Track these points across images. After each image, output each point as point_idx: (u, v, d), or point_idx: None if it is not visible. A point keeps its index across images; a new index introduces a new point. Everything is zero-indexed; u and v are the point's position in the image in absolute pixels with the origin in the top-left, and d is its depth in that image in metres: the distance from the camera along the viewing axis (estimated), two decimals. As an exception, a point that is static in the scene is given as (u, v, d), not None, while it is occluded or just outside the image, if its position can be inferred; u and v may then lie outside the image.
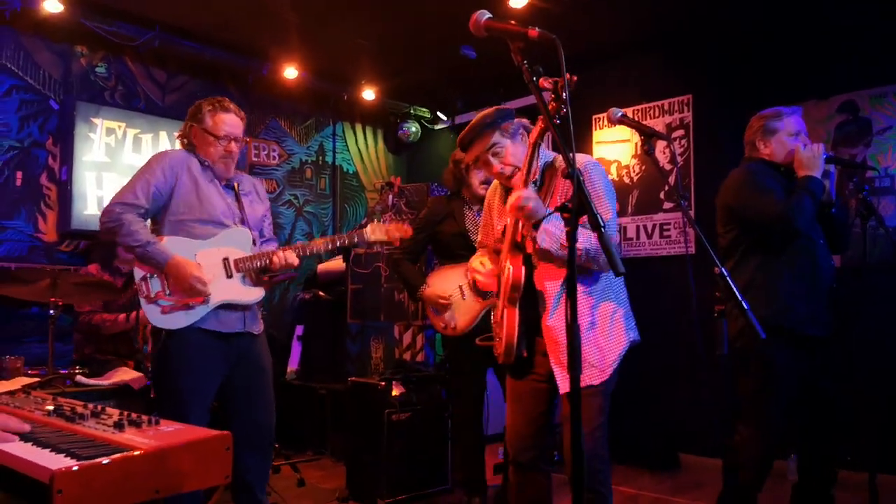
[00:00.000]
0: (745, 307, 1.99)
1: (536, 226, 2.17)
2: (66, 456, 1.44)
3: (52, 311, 3.23)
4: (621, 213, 5.17)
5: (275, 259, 2.63)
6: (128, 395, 3.17)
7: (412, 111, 6.53)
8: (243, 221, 2.72)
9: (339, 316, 5.25)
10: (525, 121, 2.40)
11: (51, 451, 1.48)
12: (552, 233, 2.17)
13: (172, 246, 2.56)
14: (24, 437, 1.60)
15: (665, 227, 4.98)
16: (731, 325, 2.75)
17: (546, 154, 2.39)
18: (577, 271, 2.21)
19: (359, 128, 6.64)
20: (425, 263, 4.36)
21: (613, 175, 5.26)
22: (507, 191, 2.39)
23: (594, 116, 5.37)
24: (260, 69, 5.35)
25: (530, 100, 2.12)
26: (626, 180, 5.21)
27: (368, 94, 5.98)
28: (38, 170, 4.56)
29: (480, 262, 2.47)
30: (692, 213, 4.74)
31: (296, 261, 2.67)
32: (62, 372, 3.25)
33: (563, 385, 2.24)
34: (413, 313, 4.78)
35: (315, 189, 6.23)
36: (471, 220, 3.56)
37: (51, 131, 4.62)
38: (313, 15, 4.59)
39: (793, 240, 2.77)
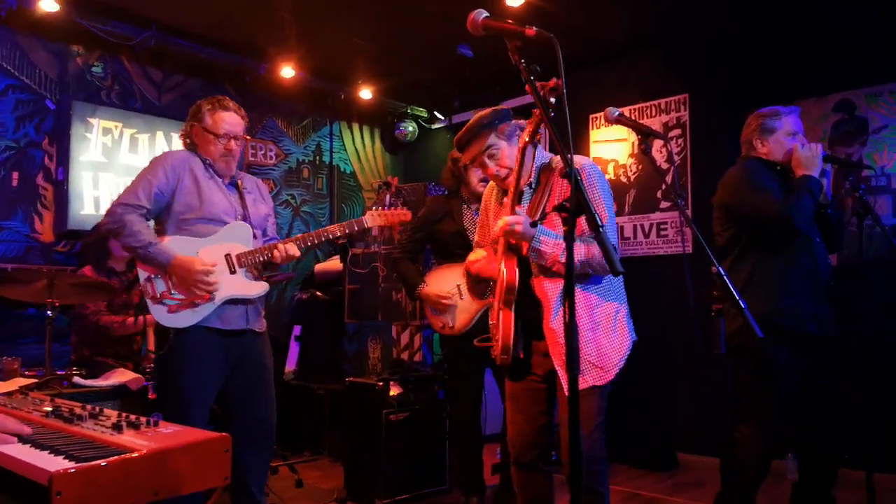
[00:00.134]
0: (743, 306, 1.99)
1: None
2: (64, 458, 1.43)
3: (49, 312, 3.22)
4: (618, 212, 5.18)
5: (276, 252, 2.64)
6: (125, 397, 3.16)
7: (409, 110, 6.53)
8: (245, 218, 2.72)
9: (336, 316, 5.25)
10: (523, 122, 2.40)
11: (49, 453, 1.48)
12: (543, 252, 2.20)
13: (175, 245, 2.57)
14: (23, 439, 1.60)
15: (662, 226, 4.99)
16: (729, 324, 2.75)
17: (543, 155, 2.39)
18: (580, 273, 2.22)
19: (356, 127, 6.64)
20: (423, 263, 4.36)
21: (610, 174, 5.27)
22: (504, 192, 2.39)
23: (591, 115, 5.37)
24: (257, 68, 5.34)
25: (528, 99, 2.13)
26: (623, 179, 5.21)
27: (365, 93, 5.98)
28: (35, 170, 4.55)
29: (475, 255, 2.49)
30: (689, 212, 4.75)
31: (297, 252, 2.68)
32: (59, 373, 3.24)
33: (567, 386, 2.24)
34: (411, 313, 4.77)
35: (312, 189, 6.22)
36: (469, 218, 3.55)
37: (47, 131, 4.60)
38: (310, 14, 4.58)
39: (791, 239, 2.77)
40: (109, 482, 1.39)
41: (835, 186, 2.97)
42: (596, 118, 5.36)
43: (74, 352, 3.80)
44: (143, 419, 1.72)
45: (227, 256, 2.63)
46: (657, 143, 4.93)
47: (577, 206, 1.63)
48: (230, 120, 2.71)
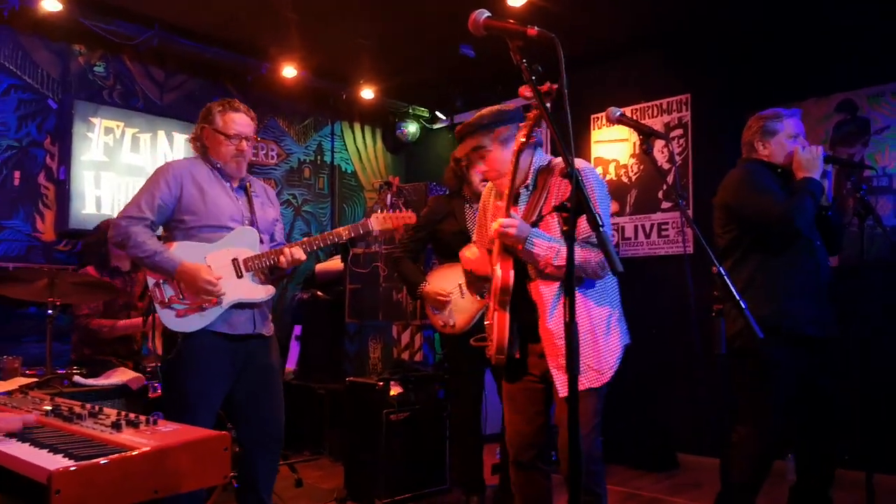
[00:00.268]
0: (744, 307, 1.99)
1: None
2: (63, 456, 1.44)
3: (49, 311, 3.22)
4: (619, 212, 5.18)
5: (282, 258, 2.66)
6: (126, 396, 3.17)
7: (411, 110, 6.53)
8: (252, 223, 2.74)
9: (337, 316, 5.25)
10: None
11: (49, 452, 1.48)
12: (536, 254, 2.22)
13: (182, 251, 2.59)
14: (22, 438, 1.60)
15: (663, 226, 4.98)
16: (729, 325, 2.74)
17: (542, 157, 2.40)
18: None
19: (357, 127, 6.64)
20: (424, 262, 4.36)
21: (612, 174, 5.27)
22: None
23: (592, 116, 5.37)
24: (259, 68, 5.34)
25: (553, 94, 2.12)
26: (625, 180, 5.21)
27: (367, 93, 5.98)
28: (37, 169, 4.55)
29: (470, 252, 2.49)
30: (690, 212, 4.75)
31: (303, 256, 2.69)
32: (60, 372, 3.24)
33: (563, 389, 2.25)
34: (411, 313, 4.78)
35: (314, 189, 6.22)
36: (471, 218, 3.56)
37: (49, 130, 4.61)
38: (312, 14, 4.58)
39: (792, 240, 2.77)
40: (109, 480, 1.39)
41: (836, 187, 2.97)
42: (597, 118, 5.36)
43: (74, 351, 3.81)
44: (142, 418, 1.72)
45: (234, 261, 2.65)
46: (658, 144, 4.93)
47: (577, 206, 1.63)
48: (241, 121, 2.72)
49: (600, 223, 1.62)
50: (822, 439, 2.84)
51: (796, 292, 2.75)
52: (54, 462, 1.40)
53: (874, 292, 3.79)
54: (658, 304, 4.79)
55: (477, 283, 2.57)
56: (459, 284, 3.46)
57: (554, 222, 2.30)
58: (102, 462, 1.40)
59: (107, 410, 1.87)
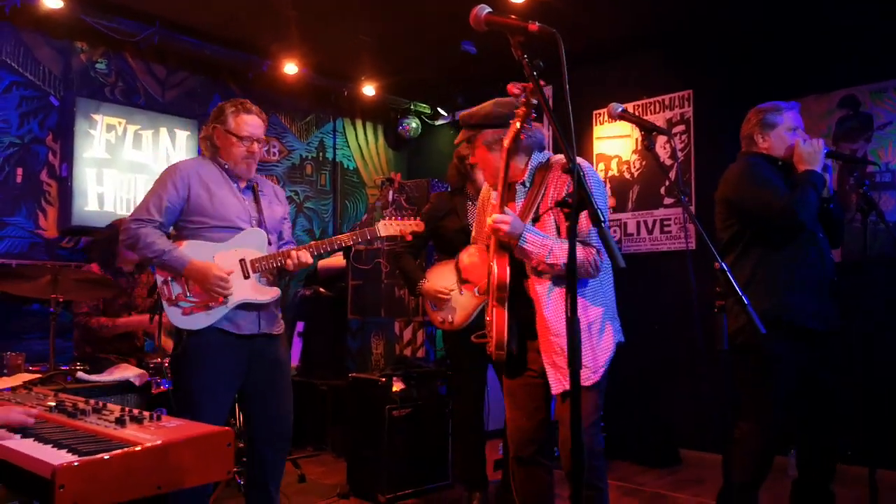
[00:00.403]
0: (746, 302, 1.99)
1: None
2: (67, 451, 1.44)
3: (52, 308, 3.23)
4: (621, 208, 5.18)
5: (288, 261, 2.68)
6: (129, 392, 3.18)
7: (412, 107, 6.53)
8: (260, 223, 2.77)
9: (339, 312, 5.26)
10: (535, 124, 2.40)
11: (52, 447, 1.49)
12: (528, 251, 2.23)
13: (191, 250, 2.62)
14: (26, 433, 1.61)
15: (665, 222, 4.98)
16: (732, 321, 2.74)
17: (540, 154, 2.40)
18: (563, 276, 2.25)
19: (359, 124, 6.64)
20: (425, 259, 4.36)
21: (614, 171, 5.26)
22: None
23: (595, 112, 5.36)
24: (260, 65, 5.34)
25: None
26: (627, 176, 5.21)
27: (369, 89, 5.98)
28: (39, 166, 4.56)
29: (468, 254, 2.50)
30: (693, 208, 4.74)
31: (310, 260, 2.72)
32: (63, 368, 3.25)
33: (556, 386, 2.28)
34: (413, 309, 4.78)
35: (315, 185, 6.22)
36: (473, 215, 3.56)
37: (51, 127, 4.61)
38: (314, 11, 4.58)
39: (794, 234, 2.76)
40: (112, 475, 1.40)
41: (839, 183, 2.96)
42: (599, 114, 5.35)
43: (76, 348, 3.82)
44: (145, 413, 1.73)
45: (242, 261, 2.67)
46: (661, 140, 4.93)
47: (579, 202, 1.63)
48: (252, 122, 2.74)
49: (602, 219, 1.62)
50: (823, 434, 2.84)
51: (798, 286, 2.74)
52: (58, 457, 1.41)
53: (877, 287, 3.79)
54: (660, 300, 4.79)
55: (465, 283, 2.59)
56: (458, 281, 3.46)
57: (551, 221, 2.31)
58: (106, 457, 1.40)
59: (110, 406, 1.87)
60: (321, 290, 5.45)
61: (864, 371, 3.49)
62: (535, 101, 2.13)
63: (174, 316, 2.60)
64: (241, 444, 3.51)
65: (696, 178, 4.83)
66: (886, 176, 4.14)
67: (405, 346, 5.36)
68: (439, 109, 6.57)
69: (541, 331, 2.30)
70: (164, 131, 5.00)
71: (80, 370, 3.23)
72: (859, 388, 3.36)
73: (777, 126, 2.86)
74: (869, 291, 3.63)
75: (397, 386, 3.84)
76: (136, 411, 1.75)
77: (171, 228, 2.73)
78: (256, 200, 2.80)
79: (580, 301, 2.29)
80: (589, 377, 2.28)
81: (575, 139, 1.69)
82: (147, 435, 1.54)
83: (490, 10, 1.85)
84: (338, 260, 5.51)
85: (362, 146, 6.67)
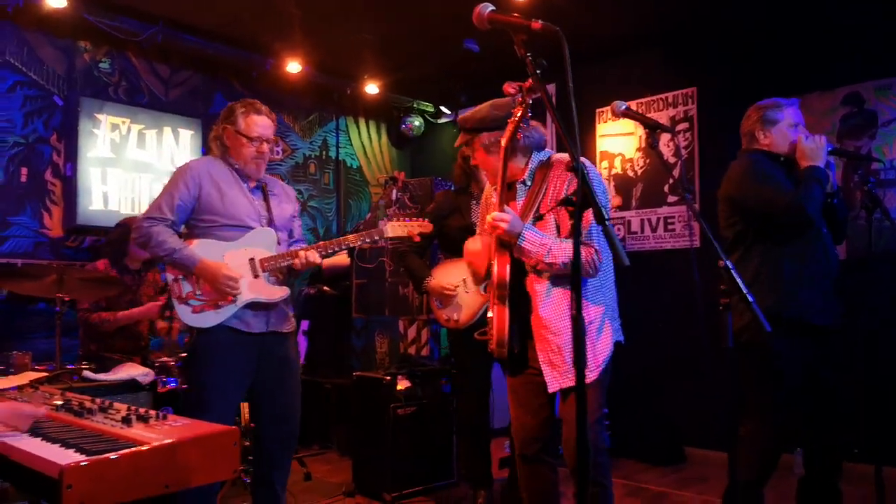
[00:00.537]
0: (751, 300, 1.99)
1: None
2: (75, 451, 1.44)
3: (58, 307, 3.24)
4: (625, 206, 5.17)
5: (296, 261, 2.70)
6: (135, 390, 3.19)
7: (415, 105, 6.52)
8: (270, 222, 2.78)
9: (343, 311, 5.26)
10: (535, 123, 2.41)
11: (60, 446, 1.49)
12: (526, 250, 2.24)
13: (202, 249, 2.65)
14: (34, 432, 1.62)
15: (669, 220, 4.97)
16: (737, 319, 2.73)
17: (540, 153, 2.41)
18: (564, 274, 2.26)
19: (362, 122, 6.64)
20: (429, 258, 4.36)
21: (617, 168, 5.25)
22: (508, 187, 2.41)
23: (598, 110, 5.36)
24: (263, 64, 5.34)
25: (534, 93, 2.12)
26: (630, 174, 5.20)
27: (372, 88, 5.98)
28: (43, 166, 4.57)
29: (472, 241, 2.51)
30: (697, 206, 4.73)
31: (318, 260, 2.73)
32: (69, 367, 3.26)
33: (552, 384, 2.29)
34: (418, 308, 4.78)
35: (319, 184, 6.23)
36: (478, 214, 3.56)
37: (55, 127, 4.62)
38: (316, 10, 4.58)
39: (799, 230, 2.76)
40: (119, 475, 1.40)
41: (844, 180, 2.95)
42: (602, 112, 5.35)
43: (82, 346, 3.83)
44: (152, 413, 1.73)
45: (251, 261, 2.69)
46: (664, 137, 4.92)
47: (583, 200, 1.63)
48: (262, 123, 2.76)
49: (606, 217, 1.62)
50: (828, 431, 2.84)
51: (803, 282, 2.74)
52: (66, 457, 1.41)
53: (882, 285, 3.78)
54: (664, 299, 4.78)
55: (475, 276, 2.59)
56: (464, 279, 3.46)
57: (551, 220, 2.31)
58: (113, 457, 1.41)
59: (117, 405, 1.88)
60: (325, 288, 5.45)
61: (869, 368, 3.48)
62: (531, 101, 2.14)
63: (184, 314, 2.63)
64: (247, 443, 3.53)
65: (699, 176, 4.82)
66: (891, 173, 4.12)
67: (409, 345, 5.36)
68: (442, 108, 6.56)
69: (536, 329, 2.31)
70: (167, 130, 5.01)
71: (85, 369, 3.24)
72: (864, 385, 3.36)
73: (778, 122, 2.85)
74: (874, 288, 3.62)
75: (402, 384, 3.84)
76: (142, 410, 1.76)
77: (183, 227, 2.75)
78: (266, 200, 2.81)
79: (582, 299, 2.29)
80: (586, 375, 2.28)
81: (578, 137, 1.69)
82: (154, 434, 1.54)
83: (493, 8, 1.85)
84: (342, 259, 5.52)
85: (365, 145, 6.67)
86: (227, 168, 2.77)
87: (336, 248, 2.80)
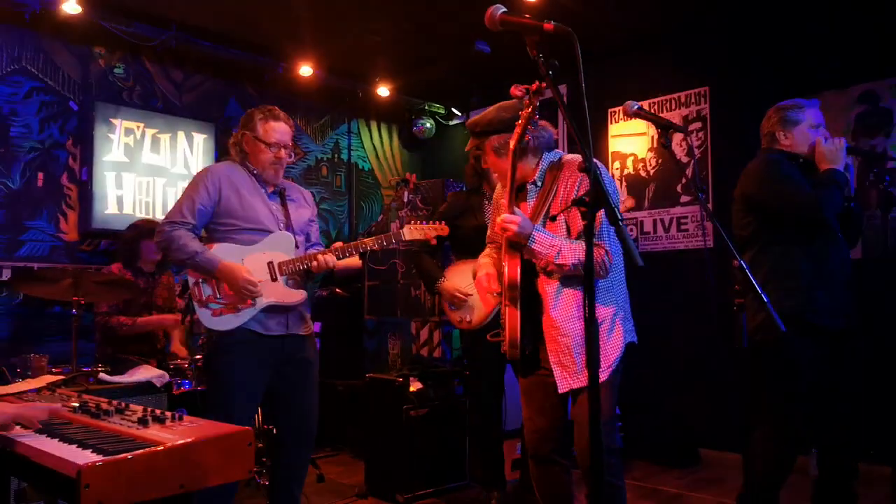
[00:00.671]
0: (765, 300, 1.97)
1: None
2: (92, 451, 1.46)
3: (74, 311, 3.27)
4: (638, 206, 5.15)
5: (314, 264, 2.73)
6: (150, 393, 3.21)
7: (427, 107, 6.53)
8: (288, 226, 2.82)
9: (356, 312, 5.27)
10: (545, 123, 2.41)
11: (77, 447, 1.51)
12: (537, 252, 2.24)
13: (221, 252, 2.68)
14: (51, 433, 1.63)
15: (682, 220, 4.95)
16: (751, 319, 2.72)
17: (552, 154, 2.41)
18: (574, 275, 2.25)
19: (374, 125, 6.66)
20: (440, 260, 4.36)
21: (629, 169, 5.24)
22: (518, 189, 2.42)
23: (610, 110, 5.34)
24: (275, 67, 5.37)
25: (546, 94, 2.12)
26: (643, 174, 5.18)
27: (383, 90, 5.99)
28: (59, 170, 4.62)
29: (480, 265, 2.52)
30: (710, 205, 4.71)
31: (336, 263, 2.77)
32: (86, 370, 3.30)
33: (562, 384, 2.29)
34: (430, 309, 4.79)
35: (331, 186, 6.25)
36: (490, 214, 3.56)
37: (71, 132, 4.68)
38: (328, 13, 4.60)
39: (815, 231, 2.74)
40: (136, 475, 1.42)
41: (859, 179, 2.93)
42: (615, 112, 5.33)
43: (98, 349, 3.87)
44: (168, 414, 1.75)
45: (270, 264, 2.72)
46: (677, 137, 4.89)
47: (595, 200, 1.63)
48: (280, 129, 2.80)
49: (620, 217, 1.62)
50: (843, 432, 2.81)
51: (817, 283, 2.72)
52: (83, 457, 1.43)
53: (898, 284, 3.74)
54: (678, 299, 4.76)
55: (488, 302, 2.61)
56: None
57: (561, 221, 2.31)
58: (130, 457, 1.42)
59: (133, 407, 1.90)
60: (338, 290, 5.47)
61: (886, 368, 3.44)
62: (538, 103, 2.15)
63: (205, 317, 2.66)
64: (261, 445, 3.55)
65: (713, 175, 4.79)
66: (907, 171, 4.08)
67: (421, 346, 5.37)
68: (453, 109, 6.57)
69: (547, 330, 2.31)
70: (181, 135, 5.05)
71: (102, 372, 3.27)
72: (882, 386, 3.32)
73: (800, 123, 2.84)
74: (890, 287, 3.58)
75: (414, 386, 3.85)
76: (158, 411, 1.77)
77: (203, 231, 2.79)
78: (284, 205, 2.85)
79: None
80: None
81: (591, 137, 1.69)
82: (169, 435, 1.55)
83: (505, 9, 1.86)
84: (354, 261, 5.53)
85: (377, 147, 6.69)
86: (247, 173, 2.80)
87: (353, 252, 2.82)
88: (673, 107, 5.02)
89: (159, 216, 4.71)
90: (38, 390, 2.37)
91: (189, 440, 1.52)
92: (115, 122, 4.72)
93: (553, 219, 2.32)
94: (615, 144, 5.33)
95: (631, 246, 1.64)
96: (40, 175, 4.53)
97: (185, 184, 4.90)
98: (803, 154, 2.84)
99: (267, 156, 2.77)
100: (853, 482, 2.83)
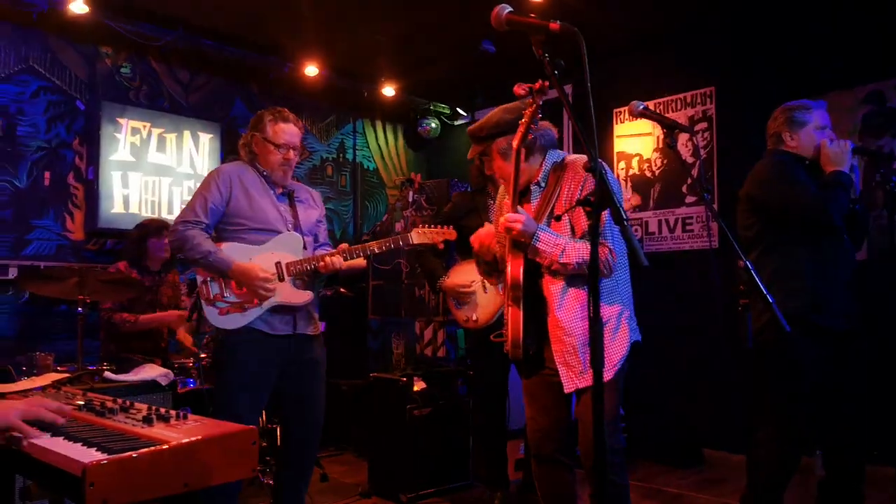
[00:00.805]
0: (771, 300, 1.97)
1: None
2: (97, 450, 1.46)
3: (80, 309, 3.29)
4: (643, 207, 5.14)
5: (321, 265, 2.75)
6: (155, 391, 3.22)
7: (432, 107, 6.53)
8: (296, 227, 2.83)
9: (360, 312, 5.28)
10: (547, 124, 2.41)
11: (82, 445, 1.51)
12: (541, 250, 2.24)
13: (229, 251, 2.70)
14: (56, 431, 1.64)
15: (688, 220, 4.93)
16: (756, 320, 2.71)
17: (555, 154, 2.40)
18: (579, 275, 2.25)
19: (379, 125, 6.66)
20: (446, 260, 4.37)
21: (635, 169, 5.22)
22: (522, 192, 2.41)
23: (615, 110, 5.33)
24: (281, 67, 5.38)
25: (552, 93, 2.12)
26: (648, 174, 5.17)
27: (388, 90, 5.99)
28: (66, 170, 4.64)
29: (485, 228, 2.52)
30: (715, 206, 4.69)
31: (343, 265, 2.79)
32: (91, 368, 3.30)
33: (568, 384, 2.29)
34: (434, 309, 4.79)
35: (336, 186, 6.26)
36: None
37: (77, 132, 4.69)
38: (333, 13, 4.61)
39: (820, 232, 2.73)
40: (140, 473, 1.42)
41: (865, 179, 2.92)
42: (620, 112, 5.32)
43: (102, 347, 3.88)
44: (172, 412, 1.75)
45: (278, 264, 2.74)
46: (683, 137, 4.88)
47: (601, 200, 1.63)
48: (289, 131, 2.83)
49: (625, 217, 1.62)
50: (847, 433, 2.80)
51: (822, 284, 2.71)
52: (88, 455, 1.43)
53: (905, 286, 3.72)
54: (682, 299, 4.75)
55: (485, 266, 2.58)
56: (482, 279, 3.46)
57: (566, 221, 2.31)
58: (134, 455, 1.42)
59: (138, 405, 1.90)
60: (342, 290, 5.47)
61: (889, 369, 3.43)
62: (541, 102, 2.15)
63: (211, 315, 2.68)
64: (265, 444, 3.55)
65: (718, 176, 4.78)
66: (914, 172, 4.06)
67: (426, 346, 5.37)
68: (459, 110, 6.57)
69: (552, 330, 2.31)
70: (187, 134, 5.06)
71: (106, 370, 3.28)
72: (884, 387, 3.30)
73: (807, 124, 2.83)
74: (895, 289, 3.57)
75: (418, 385, 3.85)
76: (162, 410, 1.77)
77: (212, 231, 2.80)
78: (292, 206, 2.87)
79: (599, 297, 2.28)
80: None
81: (596, 137, 1.68)
82: (174, 433, 1.56)
83: (511, 9, 1.86)
84: (358, 261, 5.52)
85: (382, 147, 6.69)
86: (256, 174, 2.82)
87: (360, 253, 2.83)
88: (679, 107, 5.01)
89: (165, 215, 4.73)
90: (43, 388, 2.37)
91: (193, 439, 1.52)
92: (122, 121, 4.74)
93: (557, 218, 2.32)
94: (620, 144, 5.32)
95: (636, 245, 1.64)
96: (47, 174, 4.55)
97: (191, 183, 4.97)
98: (809, 155, 2.83)
99: (276, 157, 2.80)
100: (861, 485, 2.81)
